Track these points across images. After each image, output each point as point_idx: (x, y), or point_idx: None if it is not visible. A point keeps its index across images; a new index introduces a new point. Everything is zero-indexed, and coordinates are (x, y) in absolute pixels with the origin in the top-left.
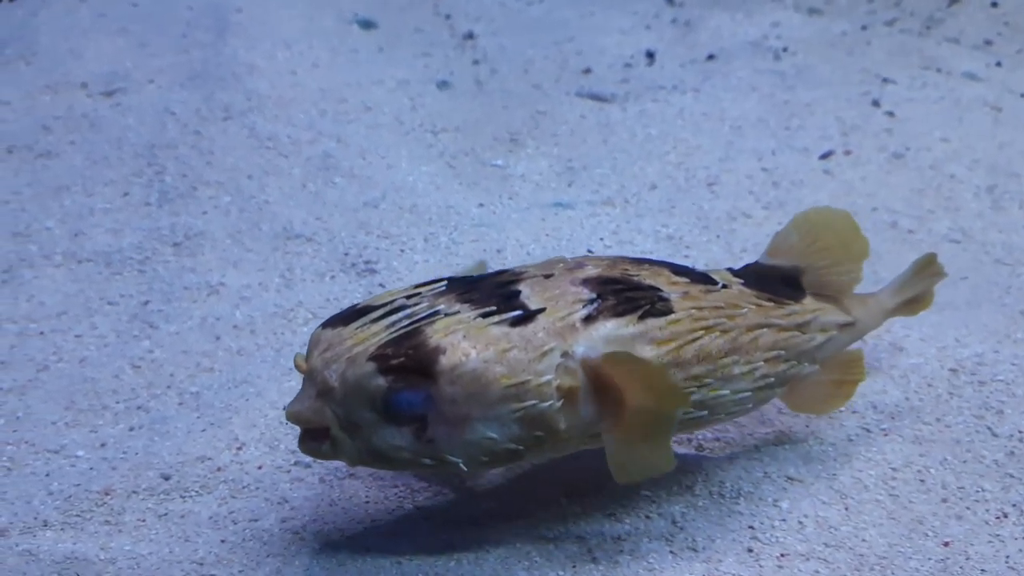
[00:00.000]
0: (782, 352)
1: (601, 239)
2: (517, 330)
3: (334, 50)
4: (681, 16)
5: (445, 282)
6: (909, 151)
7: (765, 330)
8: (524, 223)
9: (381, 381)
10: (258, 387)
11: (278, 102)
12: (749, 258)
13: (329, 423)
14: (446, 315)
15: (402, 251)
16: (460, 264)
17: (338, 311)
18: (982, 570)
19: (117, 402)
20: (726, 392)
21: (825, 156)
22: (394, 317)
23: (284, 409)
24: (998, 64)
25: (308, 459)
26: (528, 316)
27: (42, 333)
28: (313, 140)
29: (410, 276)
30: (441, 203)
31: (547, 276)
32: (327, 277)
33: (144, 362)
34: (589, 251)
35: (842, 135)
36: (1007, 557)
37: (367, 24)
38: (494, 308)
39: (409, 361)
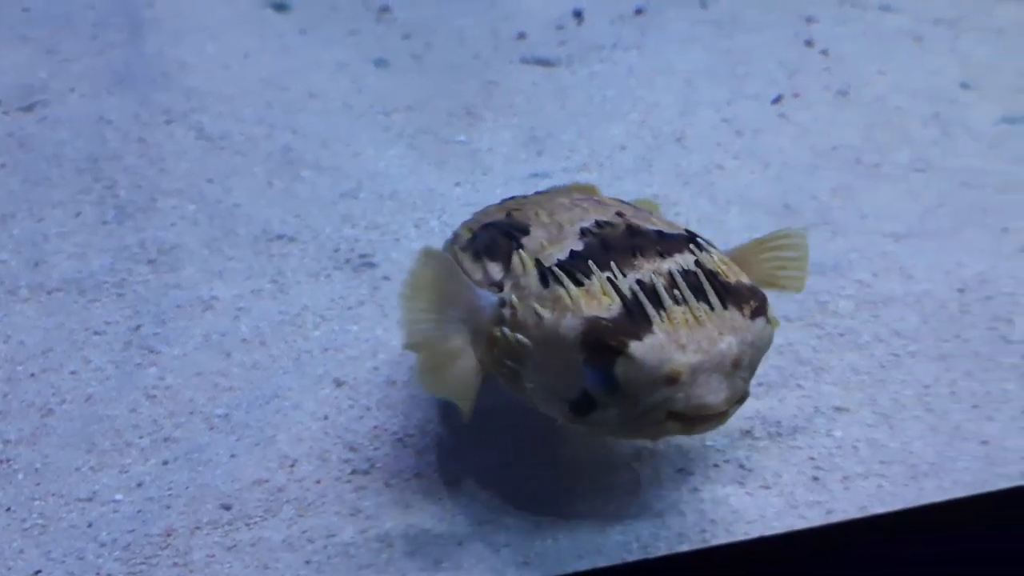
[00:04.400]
0: None
1: None
2: None
3: (260, 37)
4: None
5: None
6: (852, 87)
7: None
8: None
9: (770, 329)
10: (292, 400)
11: (220, 98)
12: (736, 210)
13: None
14: (720, 260)
15: (397, 240)
16: None
17: (609, 315)
18: (1021, 457)
19: (140, 437)
20: None
21: (776, 101)
22: (690, 281)
23: (697, 403)
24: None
25: (365, 466)
26: None
27: (33, 375)
28: (268, 134)
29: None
30: (420, 186)
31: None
32: (321, 276)
33: (158, 390)
34: None
35: (787, 78)
36: None
37: (281, 6)
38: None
39: (765, 305)
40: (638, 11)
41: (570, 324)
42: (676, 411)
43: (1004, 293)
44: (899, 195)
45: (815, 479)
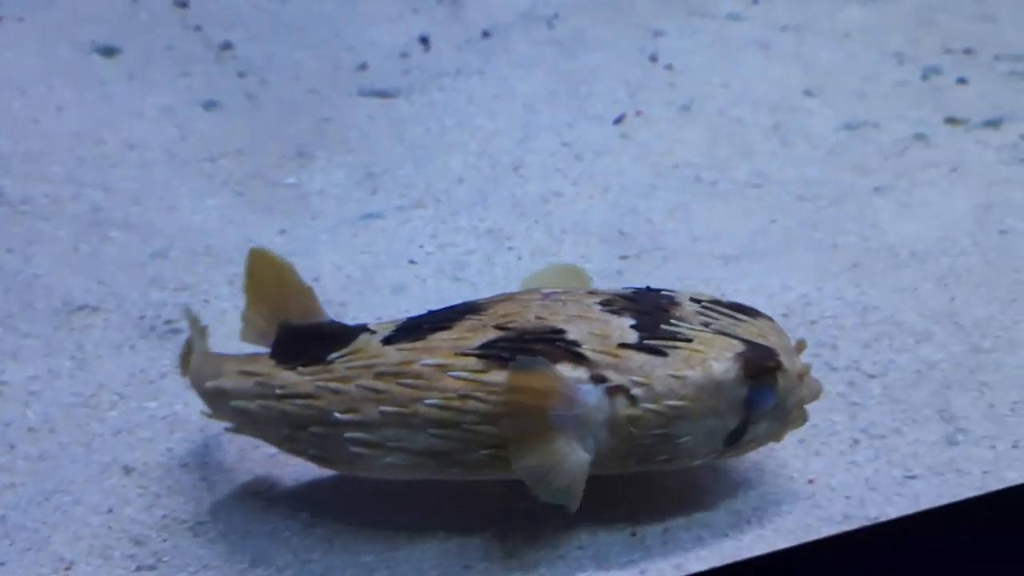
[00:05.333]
0: None
1: (421, 246)
2: None
3: (79, 86)
4: None
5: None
6: (695, 102)
7: None
8: (335, 243)
9: None
10: (74, 494)
11: (25, 158)
12: (571, 240)
13: None
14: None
15: (206, 301)
16: None
17: (740, 348)
18: (846, 496)
19: None
20: None
21: (619, 120)
22: (719, 311)
23: (816, 387)
24: (755, 1)
25: (151, 561)
26: None
27: None
28: (76, 195)
29: (221, 328)
30: (238, 238)
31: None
32: (125, 348)
33: None
34: (411, 261)
35: (630, 96)
36: (865, 480)
37: (109, 51)
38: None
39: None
40: (485, 34)
41: (722, 368)
42: (802, 401)
43: (828, 317)
44: (734, 213)
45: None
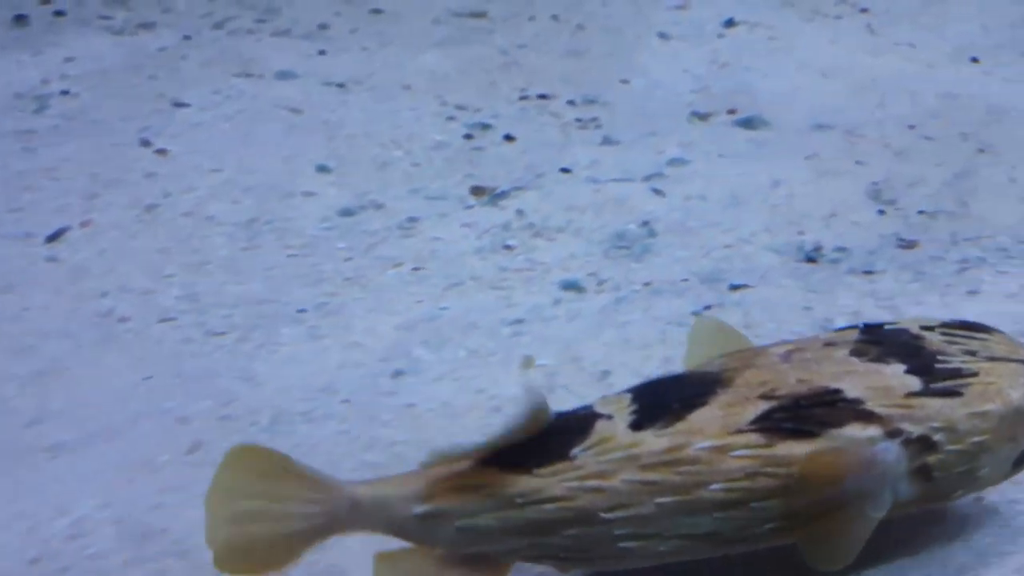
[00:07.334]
0: None
1: None
2: None
3: None
4: None
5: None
6: (168, 198)
7: None
8: None
9: None
10: None
11: None
12: None
13: None
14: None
15: None
16: None
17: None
18: None
19: None
20: None
21: (55, 237)
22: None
23: None
24: (321, 53)
25: None
26: None
27: None
28: None
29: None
30: None
31: None
32: None
33: None
34: None
35: (88, 199)
36: None
37: None
38: None
39: None
40: None
41: (1020, 395)
42: None
43: (177, 540)
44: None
45: None
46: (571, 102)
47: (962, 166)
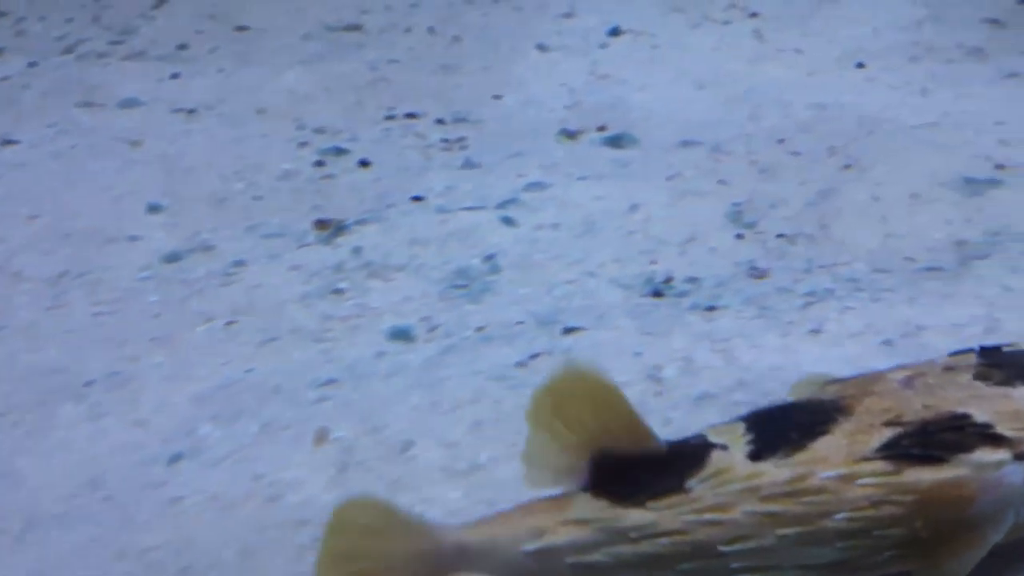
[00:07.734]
0: None
1: None
2: None
3: None
4: None
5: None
6: None
7: None
8: None
9: None
10: None
11: None
12: None
13: None
14: None
15: None
16: None
17: None
18: None
19: None
20: None
21: None
22: None
23: None
24: (174, 76)
25: None
26: None
27: None
28: None
29: None
30: None
31: None
32: None
33: None
34: None
35: None
36: None
37: None
38: None
39: None
40: None
41: None
42: None
43: None
44: None
45: None
46: (440, 120)
47: (826, 184)
